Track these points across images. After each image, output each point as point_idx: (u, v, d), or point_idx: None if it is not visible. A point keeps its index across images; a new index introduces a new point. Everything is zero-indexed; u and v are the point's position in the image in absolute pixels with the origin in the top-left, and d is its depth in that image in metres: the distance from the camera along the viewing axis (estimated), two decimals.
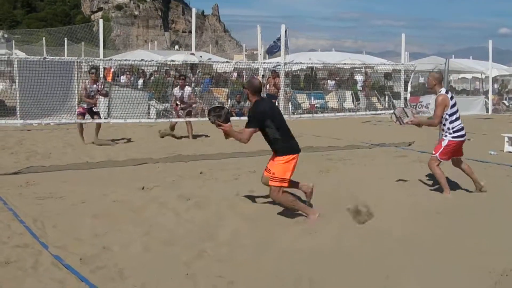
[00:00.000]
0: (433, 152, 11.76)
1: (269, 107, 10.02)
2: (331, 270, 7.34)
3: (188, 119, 21.50)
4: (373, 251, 8.03)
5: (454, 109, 11.65)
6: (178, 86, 22.12)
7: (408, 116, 11.95)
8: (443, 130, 11.70)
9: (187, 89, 22.16)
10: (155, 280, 6.96)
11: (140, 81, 33.49)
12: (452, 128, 11.60)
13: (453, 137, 11.58)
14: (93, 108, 19.84)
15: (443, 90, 11.87)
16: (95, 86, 19.79)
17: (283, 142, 9.88)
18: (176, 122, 21.89)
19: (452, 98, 11.72)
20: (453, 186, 12.15)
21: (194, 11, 43.00)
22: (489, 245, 8.26)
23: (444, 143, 11.60)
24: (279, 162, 9.82)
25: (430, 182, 12.58)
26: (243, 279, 7.01)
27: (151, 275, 7.09)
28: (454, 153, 11.85)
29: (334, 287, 6.92)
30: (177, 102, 21.94)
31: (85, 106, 19.64)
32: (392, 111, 12.56)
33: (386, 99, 36.53)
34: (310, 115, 29.91)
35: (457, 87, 49.16)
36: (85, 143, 19.24)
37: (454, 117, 11.61)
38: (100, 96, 20.36)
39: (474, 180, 12.01)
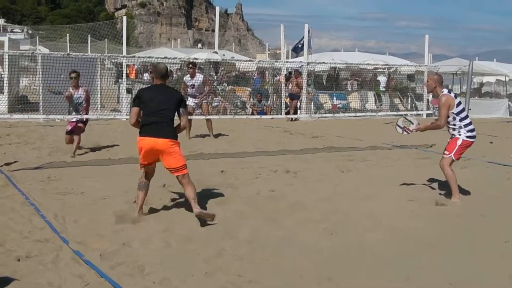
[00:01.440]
0: (446, 152, 11.34)
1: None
2: (352, 270, 7.32)
3: (208, 117, 21.26)
4: (394, 251, 8.01)
5: (460, 107, 11.32)
6: (188, 74, 21.05)
7: (413, 123, 11.83)
8: (453, 129, 11.37)
9: (199, 77, 21.10)
10: (175, 276, 6.96)
11: (146, 75, 33.42)
12: (465, 126, 11.32)
13: (467, 137, 11.31)
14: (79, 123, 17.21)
15: (445, 91, 11.47)
16: (81, 91, 17.13)
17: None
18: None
19: (456, 97, 11.38)
20: (474, 188, 12.08)
21: (217, 9, 43.01)
22: (510, 249, 8.21)
23: (459, 142, 11.26)
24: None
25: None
26: (263, 278, 7.00)
27: (171, 272, 7.09)
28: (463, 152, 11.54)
29: (355, 285, 6.90)
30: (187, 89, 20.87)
31: (73, 120, 17.26)
32: (395, 125, 12.27)
33: (409, 100, 36.42)
34: (332, 115, 29.87)
35: (482, 90, 48.86)
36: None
37: (463, 115, 11.35)
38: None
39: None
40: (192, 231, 8.83)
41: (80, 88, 17.09)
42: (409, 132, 11.98)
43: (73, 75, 16.89)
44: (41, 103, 23.46)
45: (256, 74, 35.03)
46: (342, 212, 10.03)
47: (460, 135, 11.30)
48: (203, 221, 9.27)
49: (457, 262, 7.62)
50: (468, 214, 10.12)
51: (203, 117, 21.24)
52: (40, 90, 23.89)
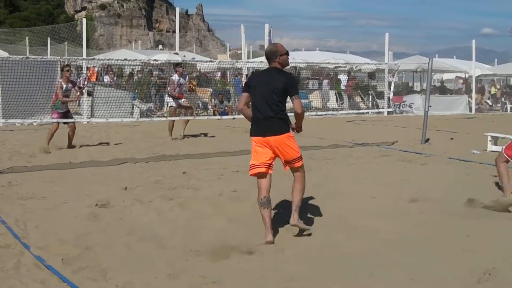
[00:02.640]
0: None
1: None
2: (315, 269, 7.34)
3: (188, 118, 21.66)
4: (357, 249, 8.05)
5: None
6: (177, 73, 21.47)
7: None
8: None
9: (185, 76, 22.05)
10: (138, 280, 6.93)
11: (107, 77, 33.23)
12: None
13: None
14: (68, 113, 19.09)
15: None
16: (70, 85, 18.57)
17: None
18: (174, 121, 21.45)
19: None
20: (436, 185, 12.19)
21: (178, 10, 42.87)
22: (472, 244, 8.28)
23: None
24: None
25: (413, 181, 12.60)
26: (226, 279, 6.99)
27: (134, 275, 7.06)
28: None
29: (319, 285, 6.92)
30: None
31: (60, 110, 18.58)
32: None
33: (370, 98, 36.63)
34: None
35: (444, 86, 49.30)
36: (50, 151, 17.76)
37: None
38: (84, 95, 19.84)
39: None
40: (154, 234, 8.79)
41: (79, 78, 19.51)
42: None
43: (68, 68, 18.82)
44: (0, 107, 23.24)
45: (237, 75, 35.04)
46: (305, 212, 10.05)
47: None
48: (300, 232, 8.87)
49: (420, 258, 7.67)
50: (429, 210, 10.20)
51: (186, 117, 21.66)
52: None
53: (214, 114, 29.73)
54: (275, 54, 9.18)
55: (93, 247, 8.08)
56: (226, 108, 30.98)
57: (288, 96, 8.99)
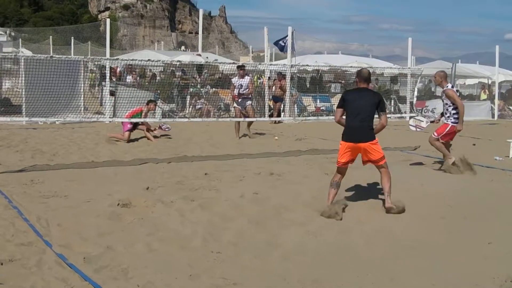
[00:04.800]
0: (435, 134, 14.74)
1: None
2: (336, 272, 7.35)
3: (249, 119, 22.15)
4: (378, 254, 8.05)
5: None
6: (238, 76, 22.09)
7: (422, 121, 13.29)
8: (446, 116, 14.92)
9: (247, 78, 22.22)
10: (159, 280, 6.96)
11: (129, 77, 33.31)
12: (454, 115, 14.71)
13: (452, 122, 14.73)
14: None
15: (449, 85, 15.12)
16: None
17: None
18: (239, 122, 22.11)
19: (456, 91, 15.27)
20: (458, 190, 12.14)
21: (201, 12, 42.95)
22: (493, 250, 8.25)
23: (448, 128, 14.73)
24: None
25: (434, 187, 12.54)
26: (247, 281, 7.01)
27: (155, 275, 7.09)
28: (451, 136, 14.97)
29: None
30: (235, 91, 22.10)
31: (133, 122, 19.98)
32: (410, 126, 15.91)
33: (392, 103, 36.48)
34: (315, 117, 29.89)
35: (463, 92, 49.00)
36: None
37: (455, 106, 14.73)
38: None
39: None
40: (176, 234, 8.83)
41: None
42: (422, 128, 15.53)
43: (154, 102, 21.62)
44: (24, 106, 23.33)
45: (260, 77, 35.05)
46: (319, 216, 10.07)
47: (447, 121, 14.81)
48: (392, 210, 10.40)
49: (440, 264, 7.66)
50: (451, 216, 10.17)
51: (248, 119, 22.24)
52: (23, 93, 23.76)
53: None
54: (370, 79, 11.40)
55: (115, 246, 8.12)
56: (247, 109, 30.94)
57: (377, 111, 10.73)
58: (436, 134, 14.71)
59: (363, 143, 10.53)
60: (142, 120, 20.17)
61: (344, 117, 10.83)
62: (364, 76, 11.00)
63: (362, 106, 10.59)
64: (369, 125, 10.59)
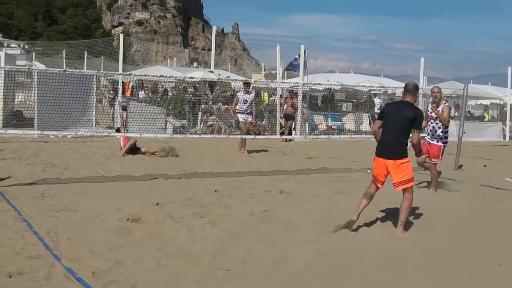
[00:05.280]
0: (434, 160, 14.72)
1: None
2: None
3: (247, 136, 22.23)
4: (387, 275, 8.02)
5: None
6: (243, 91, 22.48)
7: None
8: (434, 135, 14.89)
9: (252, 94, 22.76)
10: None
11: (142, 93, 33.40)
12: (445, 136, 14.81)
13: (444, 143, 14.86)
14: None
15: (447, 103, 15.23)
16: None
17: None
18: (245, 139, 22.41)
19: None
20: (468, 212, 12.13)
21: (214, 29, 43.12)
22: (503, 272, 8.23)
23: (442, 150, 14.83)
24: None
25: (446, 207, 12.51)
26: None
27: None
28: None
29: None
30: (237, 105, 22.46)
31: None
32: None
33: None
34: (326, 136, 29.90)
35: (474, 113, 48.93)
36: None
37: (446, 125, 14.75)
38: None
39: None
40: (185, 250, 8.82)
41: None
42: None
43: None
44: (36, 119, 23.39)
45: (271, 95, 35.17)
46: (336, 234, 10.05)
47: (439, 142, 14.84)
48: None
49: (449, 286, 7.63)
50: (460, 237, 10.14)
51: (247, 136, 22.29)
52: (35, 106, 23.84)
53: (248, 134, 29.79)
54: (417, 90, 11.10)
55: (124, 261, 8.12)
56: (259, 127, 30.99)
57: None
58: (435, 160, 14.76)
59: (390, 159, 10.41)
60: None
61: (381, 129, 10.74)
62: (407, 88, 10.88)
63: (397, 120, 10.44)
64: (402, 141, 10.47)
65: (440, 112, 14.73)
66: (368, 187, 10.81)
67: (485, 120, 42.48)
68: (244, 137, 21.90)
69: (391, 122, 10.50)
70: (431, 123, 14.88)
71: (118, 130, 21.50)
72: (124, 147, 20.29)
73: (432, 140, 14.91)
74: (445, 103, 15.00)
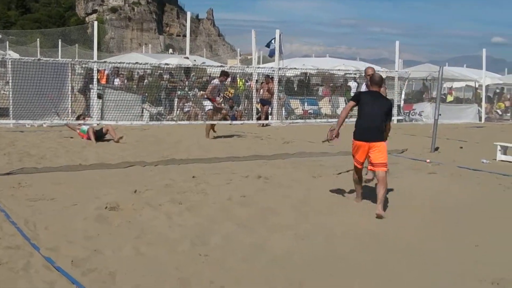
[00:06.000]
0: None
1: None
2: (323, 276, 7.35)
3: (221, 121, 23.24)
4: (367, 258, 8.05)
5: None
6: (218, 79, 23.03)
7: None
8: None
9: (223, 85, 23.85)
10: (147, 283, 6.95)
11: (117, 80, 33.30)
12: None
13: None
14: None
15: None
16: None
17: None
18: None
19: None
20: (445, 194, 12.23)
21: (189, 14, 42.99)
22: (481, 253, 8.29)
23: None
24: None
25: (422, 190, 12.59)
26: (234, 284, 7.01)
27: (143, 279, 7.08)
28: None
29: None
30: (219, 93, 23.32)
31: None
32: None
33: None
34: (303, 120, 29.95)
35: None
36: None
37: None
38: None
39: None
40: (163, 238, 8.81)
41: None
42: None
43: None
44: (11, 108, 23.29)
45: (247, 80, 35.16)
46: (313, 218, 10.09)
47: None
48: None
49: (430, 268, 7.69)
50: (440, 220, 10.23)
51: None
52: (10, 95, 23.71)
53: (225, 119, 29.80)
54: (383, 82, 11.90)
55: (102, 250, 8.10)
56: (236, 113, 30.99)
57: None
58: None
59: (375, 142, 11.01)
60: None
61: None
62: (375, 80, 11.58)
63: (376, 111, 11.13)
64: (381, 127, 11.20)
65: None
66: (354, 173, 11.56)
67: (447, 102, 42.68)
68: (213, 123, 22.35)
69: (374, 108, 11.12)
70: None
71: (78, 118, 21.49)
72: (91, 137, 20.24)
73: None
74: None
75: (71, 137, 21.00)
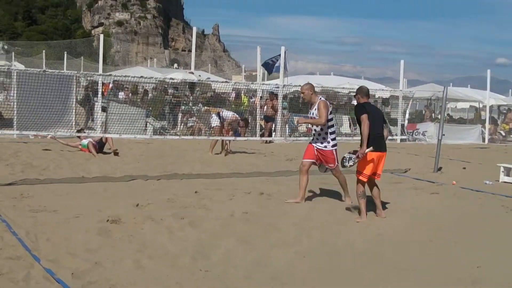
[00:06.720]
0: (331, 165, 12.98)
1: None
2: None
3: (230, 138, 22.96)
4: (367, 276, 8.03)
5: (331, 116, 12.92)
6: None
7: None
8: (319, 139, 12.89)
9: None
10: None
11: (121, 94, 33.30)
12: (331, 138, 12.84)
13: (333, 146, 12.90)
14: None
15: (322, 98, 13.20)
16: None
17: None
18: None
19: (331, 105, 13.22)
20: (447, 214, 12.22)
21: (194, 30, 42.99)
22: (482, 274, 8.26)
23: (334, 153, 12.91)
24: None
25: (425, 209, 12.59)
26: None
27: None
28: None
29: None
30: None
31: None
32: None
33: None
34: (306, 138, 29.94)
35: (454, 116, 49.19)
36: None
37: (331, 123, 12.95)
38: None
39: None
40: (164, 252, 8.81)
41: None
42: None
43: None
44: (15, 119, 23.28)
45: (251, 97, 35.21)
46: (315, 235, 10.08)
47: (326, 147, 12.85)
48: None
49: (433, 286, 7.67)
50: (441, 239, 10.19)
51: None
52: (15, 106, 23.72)
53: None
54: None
55: (103, 262, 8.09)
56: (239, 129, 30.95)
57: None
58: (332, 165, 12.98)
59: (385, 152, 11.81)
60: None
61: None
62: (365, 91, 12.06)
63: (381, 121, 11.83)
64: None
65: (315, 112, 12.85)
66: (358, 187, 11.72)
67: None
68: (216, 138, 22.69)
69: (380, 119, 11.79)
70: (313, 126, 13.18)
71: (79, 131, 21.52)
72: (92, 152, 20.28)
73: (320, 146, 12.94)
74: (320, 99, 12.99)
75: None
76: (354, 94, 12.55)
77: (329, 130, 12.79)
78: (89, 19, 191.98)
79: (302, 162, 13.09)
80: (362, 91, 12.05)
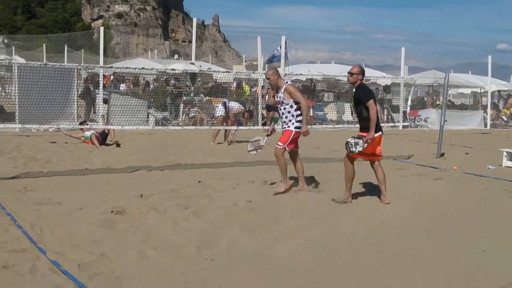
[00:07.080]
0: (280, 144, 12.81)
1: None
2: (326, 283, 7.33)
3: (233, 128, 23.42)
4: (370, 265, 8.01)
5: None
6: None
7: (259, 139, 12.58)
8: (285, 121, 12.95)
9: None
10: None
11: (123, 85, 33.33)
12: (297, 118, 12.84)
13: (296, 128, 12.84)
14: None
15: (288, 81, 13.76)
16: None
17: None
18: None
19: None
20: (451, 199, 12.22)
21: (194, 20, 42.96)
22: (487, 260, 8.26)
23: (291, 134, 12.84)
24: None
25: (427, 195, 12.59)
26: None
27: (148, 283, 7.08)
28: (295, 143, 13.14)
29: None
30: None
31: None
32: (250, 152, 14.23)
33: (385, 112, 36.54)
34: (308, 126, 29.91)
35: (455, 102, 49.16)
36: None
37: (297, 107, 12.88)
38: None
39: (300, 179, 13.33)
40: (169, 242, 8.81)
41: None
42: (262, 147, 13.77)
43: None
44: (17, 113, 23.30)
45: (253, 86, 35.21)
46: (318, 225, 10.07)
47: (289, 127, 12.86)
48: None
49: (433, 274, 7.66)
50: (444, 225, 10.19)
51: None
52: (16, 100, 23.73)
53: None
54: None
55: (108, 254, 8.10)
56: (241, 119, 30.94)
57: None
58: (281, 144, 12.79)
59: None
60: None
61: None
62: (364, 73, 12.40)
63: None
64: None
65: (282, 95, 13.02)
66: (350, 170, 12.26)
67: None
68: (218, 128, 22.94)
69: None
70: (280, 109, 13.21)
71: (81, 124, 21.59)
72: (95, 144, 20.30)
73: (285, 126, 13.01)
74: (287, 83, 13.25)
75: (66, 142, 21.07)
76: (350, 73, 12.27)
77: (296, 113, 12.87)
78: (88, 12, 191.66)
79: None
80: (364, 73, 12.30)
